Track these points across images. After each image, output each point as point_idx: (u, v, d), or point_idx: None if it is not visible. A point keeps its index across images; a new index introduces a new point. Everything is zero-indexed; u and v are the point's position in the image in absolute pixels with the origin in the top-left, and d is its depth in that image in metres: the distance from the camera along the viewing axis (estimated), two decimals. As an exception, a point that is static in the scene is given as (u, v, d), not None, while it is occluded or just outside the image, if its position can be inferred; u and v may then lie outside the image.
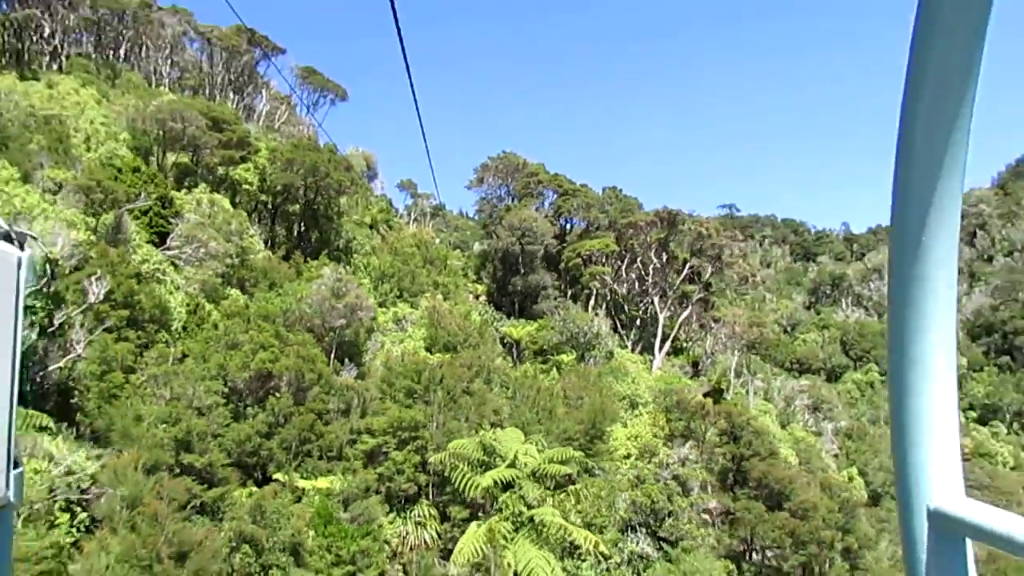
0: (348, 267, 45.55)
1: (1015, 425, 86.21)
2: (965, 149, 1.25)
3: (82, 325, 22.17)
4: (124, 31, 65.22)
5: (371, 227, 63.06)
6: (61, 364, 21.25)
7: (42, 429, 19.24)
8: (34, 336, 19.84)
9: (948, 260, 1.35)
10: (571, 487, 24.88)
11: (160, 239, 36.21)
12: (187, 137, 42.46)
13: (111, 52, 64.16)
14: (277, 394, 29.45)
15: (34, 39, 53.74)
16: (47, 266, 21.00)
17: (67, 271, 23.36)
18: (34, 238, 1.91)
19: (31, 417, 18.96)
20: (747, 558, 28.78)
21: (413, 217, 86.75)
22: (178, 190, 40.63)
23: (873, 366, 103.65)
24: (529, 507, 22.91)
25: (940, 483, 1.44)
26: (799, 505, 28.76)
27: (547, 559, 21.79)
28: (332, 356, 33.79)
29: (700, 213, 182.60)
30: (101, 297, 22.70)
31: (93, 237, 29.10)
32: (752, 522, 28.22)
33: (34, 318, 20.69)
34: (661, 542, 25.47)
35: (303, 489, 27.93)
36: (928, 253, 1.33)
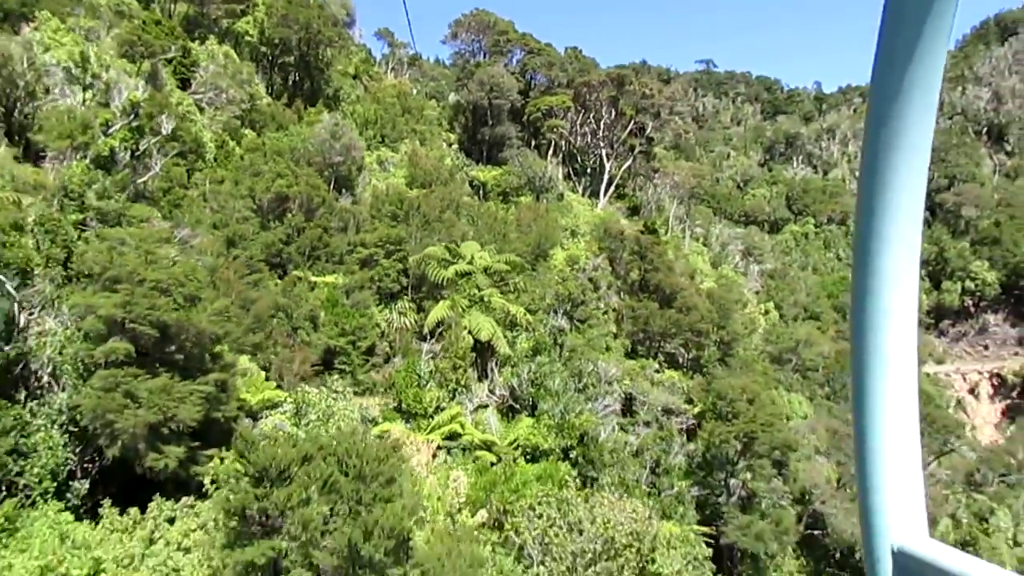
0: (338, 114, 52.97)
1: (923, 273, 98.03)
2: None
3: (157, 151, 30.31)
4: None
5: (354, 77, 69.38)
6: (146, 178, 29.62)
7: (143, 221, 27.94)
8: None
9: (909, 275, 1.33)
10: (512, 281, 34.65)
11: (182, 85, 43.39)
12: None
13: None
14: (292, 212, 38.31)
15: None
16: (132, 106, 28.95)
17: (132, 112, 31.23)
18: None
19: (135, 208, 27.57)
20: (644, 344, 39.33)
21: (391, 66, 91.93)
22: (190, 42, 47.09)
23: (810, 219, 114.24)
24: (480, 291, 32.71)
25: (903, 523, 1.43)
26: (683, 304, 39.03)
27: (492, 324, 31.82)
28: (331, 186, 42.39)
29: (677, 69, 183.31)
30: (170, 132, 30.73)
31: (142, 82, 36.52)
32: (647, 315, 38.48)
33: (126, 144, 28.84)
34: (575, 321, 35.57)
35: (315, 283, 37.45)
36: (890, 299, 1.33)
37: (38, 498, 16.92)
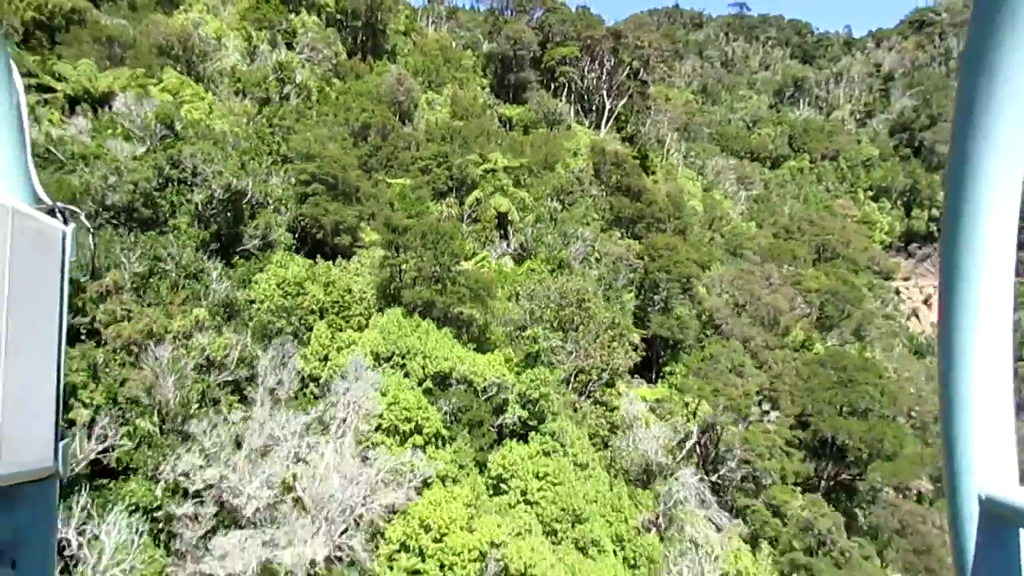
0: (395, 66, 69.33)
1: (898, 202, 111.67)
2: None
3: (296, 96, 47.38)
4: None
5: (404, 34, 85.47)
6: (290, 109, 46.65)
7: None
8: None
9: (1004, 263, 1.35)
10: (524, 179, 51.38)
11: (288, 47, 60.15)
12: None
13: None
14: (371, 135, 55.23)
15: None
16: (279, 65, 45.99)
17: (280, 69, 48.10)
18: (77, 213, 2.00)
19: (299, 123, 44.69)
20: (616, 225, 55.79)
21: (431, 20, 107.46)
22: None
23: (806, 156, 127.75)
24: (501, 182, 49.51)
25: (993, 470, 1.39)
26: (647, 200, 55.13)
27: (508, 202, 48.66)
28: (397, 117, 59.21)
29: (710, 12, 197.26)
30: (307, 81, 47.74)
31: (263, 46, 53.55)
32: (619, 207, 54.77)
33: (276, 89, 45.94)
34: (565, 204, 52.10)
35: (389, 183, 54.53)
36: (984, 252, 1.35)
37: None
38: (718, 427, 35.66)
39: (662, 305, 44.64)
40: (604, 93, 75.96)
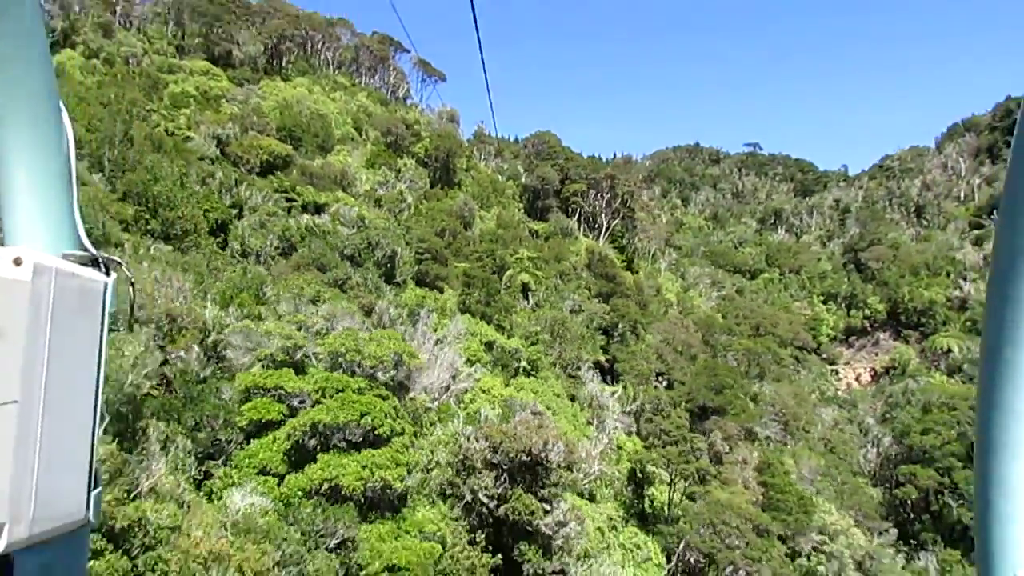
0: (463, 193, 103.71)
1: (842, 305, 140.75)
2: None
3: (407, 209, 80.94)
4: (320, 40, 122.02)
5: (466, 170, 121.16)
6: (405, 215, 80.00)
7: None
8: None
9: None
10: (540, 266, 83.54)
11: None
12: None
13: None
14: (446, 235, 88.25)
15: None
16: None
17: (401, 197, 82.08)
18: (119, 263, 2.02)
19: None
20: (598, 296, 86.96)
21: (482, 156, 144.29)
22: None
23: (777, 269, 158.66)
24: (526, 269, 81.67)
25: None
26: (618, 281, 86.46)
27: (530, 279, 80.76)
28: (462, 225, 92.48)
29: (728, 151, 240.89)
30: (411, 201, 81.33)
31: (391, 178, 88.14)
32: (599, 285, 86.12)
33: (401, 205, 79.42)
34: (563, 281, 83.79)
35: (457, 265, 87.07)
36: None
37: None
38: (639, 398, 64.90)
39: (619, 339, 74.81)
40: (603, 215, 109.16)
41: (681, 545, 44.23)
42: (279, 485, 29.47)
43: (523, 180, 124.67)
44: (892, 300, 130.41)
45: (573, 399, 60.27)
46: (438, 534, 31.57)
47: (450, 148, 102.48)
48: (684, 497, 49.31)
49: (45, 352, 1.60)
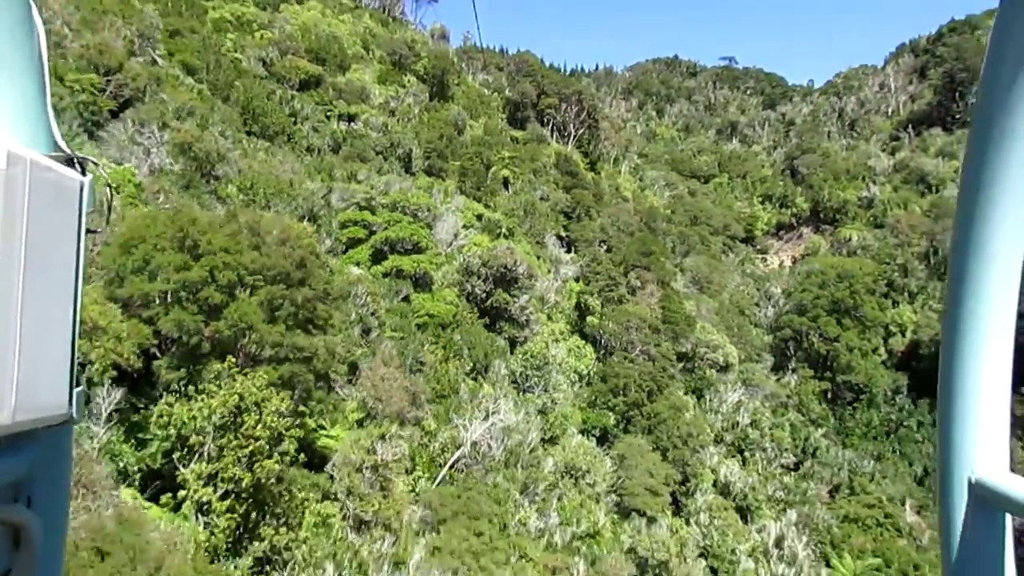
0: (456, 105, 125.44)
1: (776, 204, 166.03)
2: None
3: (412, 117, 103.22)
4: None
5: (457, 85, 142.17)
6: (411, 121, 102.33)
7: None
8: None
9: (1013, 248, 1.37)
10: (519, 165, 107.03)
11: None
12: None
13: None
14: (444, 138, 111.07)
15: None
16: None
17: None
18: (95, 163, 2.00)
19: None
20: (566, 190, 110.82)
21: (470, 70, 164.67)
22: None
23: (726, 175, 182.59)
24: (507, 166, 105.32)
25: (984, 454, 1.42)
26: (579, 177, 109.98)
27: (510, 173, 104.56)
28: (456, 132, 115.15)
29: (704, 63, 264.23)
30: (415, 110, 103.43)
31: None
32: (563, 180, 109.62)
33: (408, 114, 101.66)
34: (535, 176, 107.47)
35: (454, 163, 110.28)
36: (994, 231, 1.37)
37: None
38: (585, 255, 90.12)
39: (576, 219, 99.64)
40: (572, 125, 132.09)
41: (604, 336, 70.29)
42: (368, 270, 54.60)
43: (506, 93, 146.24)
44: (815, 200, 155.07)
45: (538, 258, 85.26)
46: (454, 302, 57.10)
47: (444, 67, 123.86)
48: (608, 311, 74.98)
49: (22, 243, 1.59)
